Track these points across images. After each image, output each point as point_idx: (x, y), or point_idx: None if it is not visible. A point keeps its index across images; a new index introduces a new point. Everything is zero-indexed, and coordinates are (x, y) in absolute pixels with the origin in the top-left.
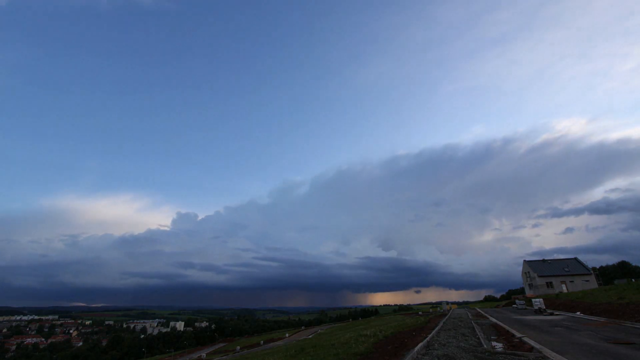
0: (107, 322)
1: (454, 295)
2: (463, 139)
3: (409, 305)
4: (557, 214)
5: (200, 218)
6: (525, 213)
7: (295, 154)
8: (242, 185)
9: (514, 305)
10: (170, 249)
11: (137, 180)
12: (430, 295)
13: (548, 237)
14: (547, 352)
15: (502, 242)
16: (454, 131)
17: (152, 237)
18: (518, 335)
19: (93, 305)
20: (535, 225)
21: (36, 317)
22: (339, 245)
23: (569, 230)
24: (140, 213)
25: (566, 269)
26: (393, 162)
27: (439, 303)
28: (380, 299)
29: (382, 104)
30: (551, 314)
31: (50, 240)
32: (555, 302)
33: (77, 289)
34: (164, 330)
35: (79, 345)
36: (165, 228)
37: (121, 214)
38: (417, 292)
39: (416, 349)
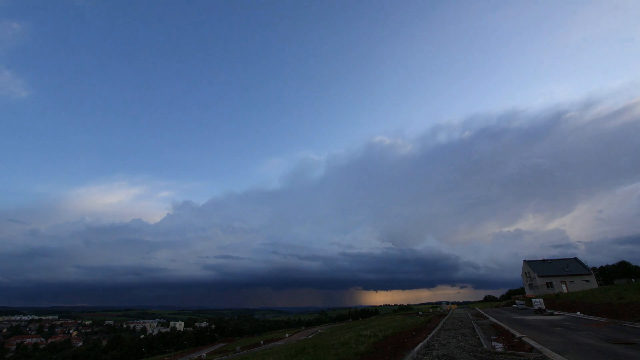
0: (107, 322)
1: (471, 294)
2: (532, 103)
3: (409, 305)
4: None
5: (201, 205)
6: (567, 202)
7: (316, 129)
8: (251, 168)
9: (514, 306)
10: (168, 244)
11: (136, 165)
12: (447, 293)
13: (581, 229)
14: (547, 352)
15: (537, 237)
16: (525, 92)
17: (148, 230)
18: (518, 335)
19: (81, 304)
20: (572, 219)
21: (36, 317)
22: (350, 239)
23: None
24: (137, 202)
25: (566, 269)
26: (430, 135)
27: (439, 303)
28: (385, 297)
29: (448, 62)
30: (551, 314)
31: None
32: (555, 302)
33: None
34: (164, 330)
35: (79, 345)
36: (164, 215)
37: (116, 203)
38: (432, 289)
39: (416, 349)
